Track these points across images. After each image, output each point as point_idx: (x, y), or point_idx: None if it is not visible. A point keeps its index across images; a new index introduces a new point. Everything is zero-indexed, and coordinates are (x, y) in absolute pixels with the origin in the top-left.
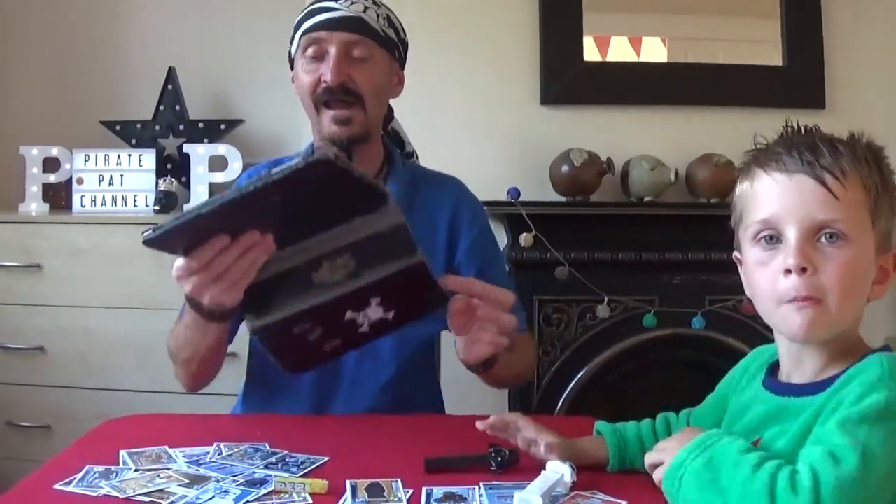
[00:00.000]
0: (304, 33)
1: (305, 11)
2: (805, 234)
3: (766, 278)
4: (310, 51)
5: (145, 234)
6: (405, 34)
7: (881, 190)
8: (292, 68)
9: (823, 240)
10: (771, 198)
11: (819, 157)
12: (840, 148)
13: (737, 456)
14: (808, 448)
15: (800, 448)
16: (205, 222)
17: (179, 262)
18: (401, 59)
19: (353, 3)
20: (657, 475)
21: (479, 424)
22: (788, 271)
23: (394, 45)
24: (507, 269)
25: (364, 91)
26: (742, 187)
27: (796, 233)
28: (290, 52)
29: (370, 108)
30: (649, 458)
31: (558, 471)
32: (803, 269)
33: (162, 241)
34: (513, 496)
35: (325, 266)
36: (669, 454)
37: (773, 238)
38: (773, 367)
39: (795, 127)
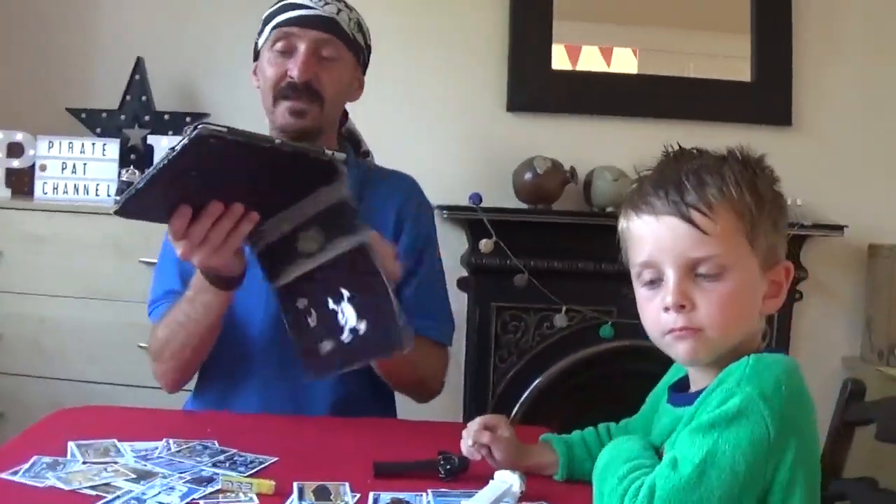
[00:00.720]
0: (275, 27)
1: (278, 5)
2: (681, 273)
3: (651, 314)
4: (279, 45)
5: (114, 206)
6: (370, 40)
7: (757, 211)
8: (256, 59)
9: (701, 274)
10: (645, 240)
11: (684, 194)
12: (707, 179)
13: (619, 464)
14: (666, 450)
15: None
16: (158, 189)
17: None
18: (364, 64)
19: (326, 4)
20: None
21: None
22: (668, 308)
23: (360, 50)
24: (464, 274)
25: (326, 91)
26: (621, 227)
27: (673, 272)
28: (256, 44)
29: (328, 107)
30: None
31: (507, 480)
32: (682, 306)
33: (128, 211)
34: (460, 503)
35: (300, 238)
36: None
37: (653, 281)
38: (685, 380)
39: (671, 151)
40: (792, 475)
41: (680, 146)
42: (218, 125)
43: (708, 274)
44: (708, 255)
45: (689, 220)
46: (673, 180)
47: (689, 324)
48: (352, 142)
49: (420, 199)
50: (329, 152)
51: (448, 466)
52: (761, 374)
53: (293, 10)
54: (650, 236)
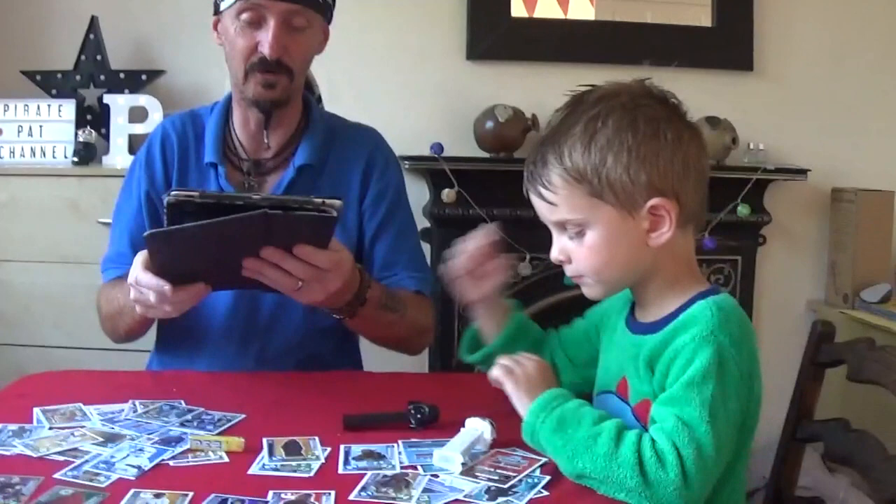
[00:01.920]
0: None
1: None
2: (556, 232)
3: None
4: (246, 15)
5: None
6: None
7: (598, 169)
8: (216, 13)
9: (568, 232)
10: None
11: (533, 174)
12: (549, 157)
13: (591, 425)
14: (660, 408)
15: (646, 384)
16: (201, 234)
17: (151, 282)
18: (331, 17)
19: None
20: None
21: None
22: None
23: (328, 8)
24: (427, 225)
25: (296, 63)
26: None
27: (553, 233)
28: (216, 2)
29: (297, 77)
30: (491, 374)
31: (478, 428)
32: (562, 261)
33: (159, 240)
34: (432, 454)
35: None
36: (519, 374)
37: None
38: (633, 306)
39: (568, 102)
40: (755, 406)
41: (580, 93)
42: (189, 191)
43: (572, 233)
44: (562, 219)
45: (540, 196)
46: (531, 160)
47: (573, 273)
48: (306, 86)
49: (386, 152)
50: (319, 200)
51: (419, 416)
52: (727, 322)
53: None
54: (535, 204)
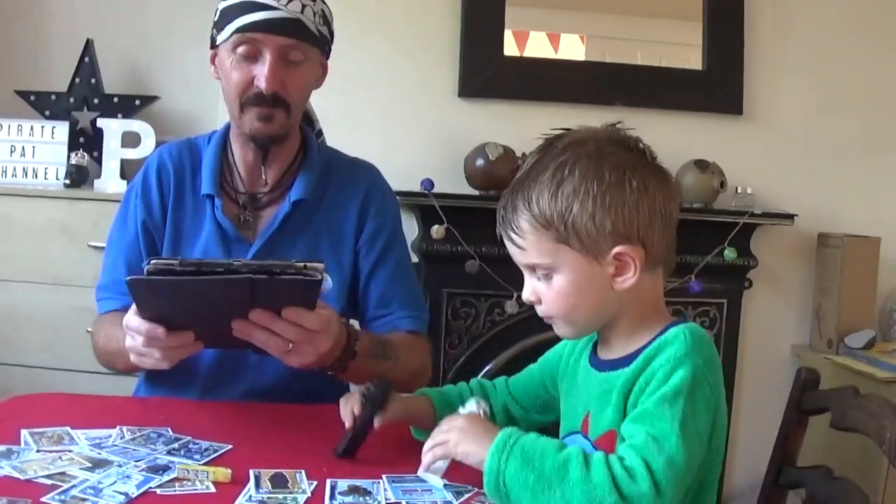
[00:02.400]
0: (238, 30)
1: (237, 2)
2: (528, 274)
3: None
4: (242, 49)
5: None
6: (333, 24)
7: (564, 216)
8: (213, 46)
9: (538, 275)
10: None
11: (504, 220)
12: (519, 204)
13: (556, 453)
14: (630, 425)
15: (621, 417)
16: (190, 289)
17: (141, 326)
18: (329, 51)
19: (290, 1)
20: (426, 459)
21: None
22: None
23: (326, 42)
24: (416, 260)
25: (293, 98)
26: None
27: (525, 274)
28: (213, 35)
29: (294, 111)
30: (427, 445)
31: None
32: (533, 302)
33: (142, 287)
34: (417, 490)
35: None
36: (454, 432)
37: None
38: (595, 346)
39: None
40: (719, 425)
41: (551, 138)
42: (168, 260)
43: (541, 275)
44: (530, 263)
45: (510, 239)
46: (502, 204)
47: (543, 314)
48: (305, 120)
49: (384, 189)
50: (301, 263)
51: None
52: (700, 346)
53: (256, 10)
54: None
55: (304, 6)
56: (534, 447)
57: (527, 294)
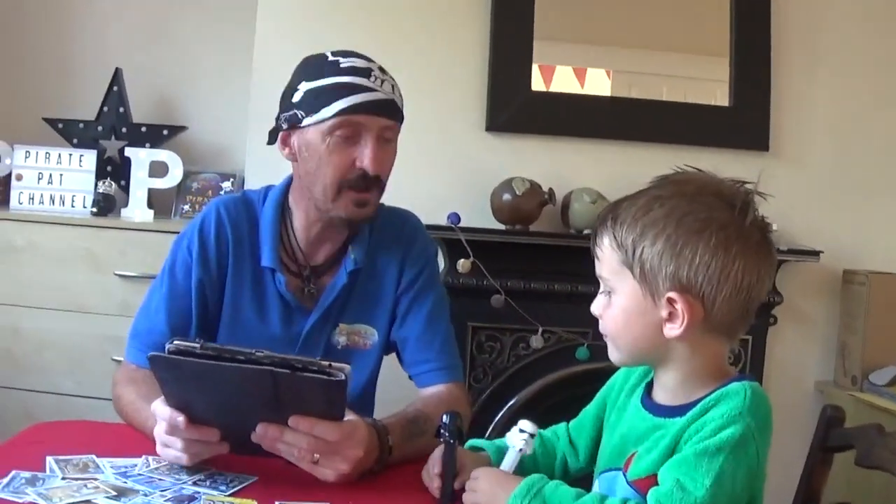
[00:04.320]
0: (340, 112)
1: (333, 83)
2: (601, 288)
3: None
4: (342, 132)
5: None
6: None
7: (636, 245)
8: (289, 127)
9: (604, 290)
10: None
11: (595, 229)
12: (608, 219)
13: (573, 501)
14: (664, 471)
15: (662, 463)
16: (214, 372)
17: (164, 411)
18: None
19: (383, 82)
20: None
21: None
22: None
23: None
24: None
25: (386, 177)
26: None
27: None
28: (290, 117)
29: (383, 188)
30: (466, 500)
31: (516, 444)
32: (597, 315)
33: (163, 365)
34: None
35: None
36: (479, 495)
37: None
38: (649, 385)
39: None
40: (759, 497)
41: (672, 173)
42: (190, 343)
43: (606, 291)
44: (600, 275)
45: (593, 249)
46: (599, 213)
47: (601, 330)
48: None
49: (422, 239)
50: (325, 363)
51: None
52: (758, 408)
53: (358, 92)
54: None
55: (393, 86)
56: (553, 495)
57: (594, 305)
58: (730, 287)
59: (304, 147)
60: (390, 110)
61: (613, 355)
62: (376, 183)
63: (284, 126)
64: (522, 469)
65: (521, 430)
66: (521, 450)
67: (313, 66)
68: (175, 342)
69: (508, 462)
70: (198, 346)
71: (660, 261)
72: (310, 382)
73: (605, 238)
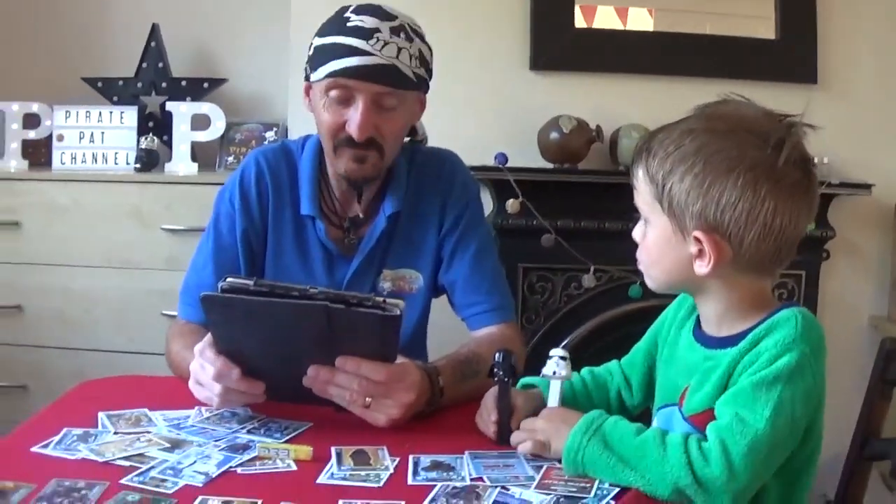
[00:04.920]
0: (330, 74)
1: (331, 41)
2: (641, 219)
3: None
4: (334, 93)
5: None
6: (432, 55)
7: (667, 179)
8: (306, 79)
9: (642, 220)
10: None
11: (633, 160)
12: (643, 150)
13: (634, 437)
14: (722, 405)
15: (717, 396)
16: (268, 310)
17: (217, 361)
18: (427, 87)
19: (385, 45)
20: (522, 448)
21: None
22: None
23: (423, 82)
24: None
25: (386, 141)
26: None
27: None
28: (306, 69)
29: (387, 153)
30: (515, 438)
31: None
32: (637, 241)
33: (216, 305)
34: (499, 465)
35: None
36: (539, 434)
37: None
38: (699, 318)
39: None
40: (819, 423)
41: (707, 104)
42: (244, 280)
43: (643, 221)
44: (638, 205)
45: (631, 180)
46: (637, 143)
47: (637, 257)
48: (410, 132)
49: (463, 178)
50: (380, 298)
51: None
52: (810, 333)
53: (350, 55)
54: None
55: (399, 50)
56: (614, 430)
57: (635, 232)
58: (758, 228)
59: (313, 102)
60: (386, 76)
61: (647, 280)
62: (373, 145)
63: (304, 80)
64: (578, 408)
65: (550, 357)
66: (556, 375)
67: (328, 21)
68: (228, 280)
69: (554, 396)
70: (251, 282)
71: (687, 198)
72: (364, 318)
73: (640, 170)
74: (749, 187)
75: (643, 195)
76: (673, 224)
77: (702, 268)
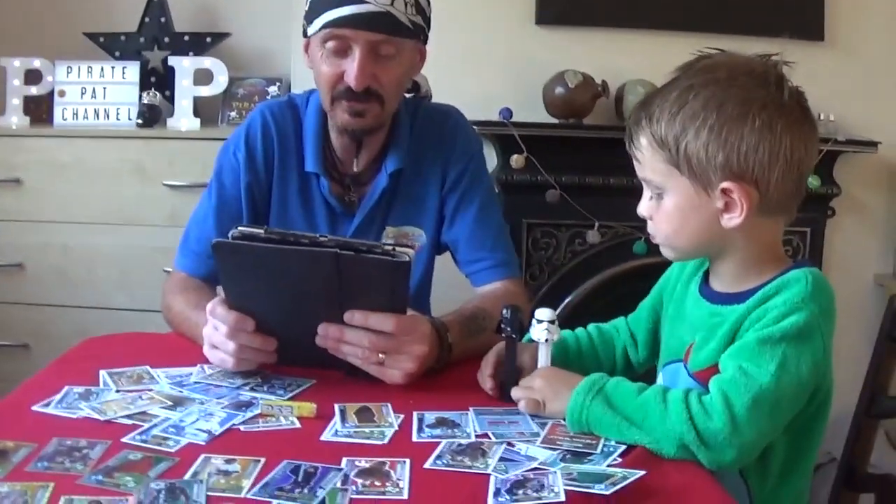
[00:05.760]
0: (326, 25)
1: None
2: (645, 189)
3: None
4: (331, 44)
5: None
6: (430, 5)
7: (679, 140)
8: (305, 36)
9: (651, 193)
10: None
11: (628, 132)
12: (642, 118)
13: (636, 397)
14: (726, 358)
15: (723, 351)
16: (277, 257)
17: (229, 316)
18: (425, 38)
19: None
20: (522, 406)
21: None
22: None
23: (420, 30)
24: (496, 191)
25: (385, 90)
26: None
27: (644, 189)
28: (304, 25)
29: (388, 103)
30: (515, 394)
31: (543, 336)
32: (644, 217)
33: (227, 252)
34: (504, 421)
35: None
36: (536, 393)
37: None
38: (706, 274)
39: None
40: (828, 383)
41: (692, 59)
42: (254, 228)
43: (654, 194)
44: (645, 178)
45: (631, 151)
46: (630, 115)
47: (651, 232)
48: (413, 87)
49: (465, 134)
50: (389, 246)
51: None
52: (821, 294)
53: (344, 4)
54: None
55: None
56: (615, 391)
57: (641, 208)
58: (781, 165)
59: (311, 57)
60: (381, 24)
61: (668, 253)
62: (372, 96)
63: (303, 36)
64: (583, 365)
65: (539, 321)
66: (546, 340)
67: None
68: (239, 228)
69: (542, 358)
70: (262, 231)
71: (706, 153)
72: (374, 264)
73: (643, 139)
74: (766, 127)
75: (652, 164)
76: (695, 184)
77: (733, 219)
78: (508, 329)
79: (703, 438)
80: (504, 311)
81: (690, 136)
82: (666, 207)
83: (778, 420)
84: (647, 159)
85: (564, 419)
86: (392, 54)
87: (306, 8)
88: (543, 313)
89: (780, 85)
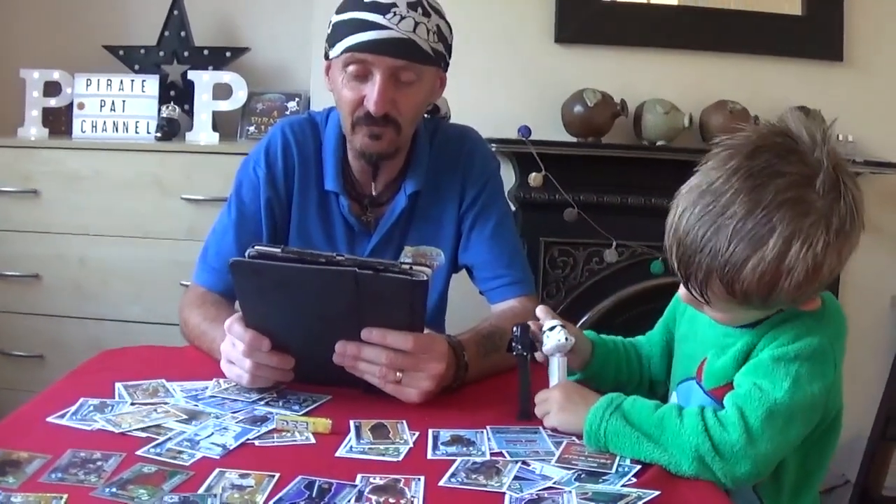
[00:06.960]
0: (347, 49)
1: (348, 17)
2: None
3: None
4: (352, 68)
5: (239, 259)
6: (452, 33)
7: (770, 294)
8: (326, 58)
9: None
10: None
11: (684, 272)
12: (714, 274)
13: (653, 413)
14: (741, 376)
15: (734, 370)
16: (297, 276)
17: (245, 335)
18: (446, 65)
19: (402, 20)
20: (546, 421)
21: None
22: None
23: (441, 58)
24: (513, 209)
25: (403, 117)
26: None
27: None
28: (325, 48)
29: (405, 129)
30: (538, 410)
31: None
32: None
33: (244, 271)
34: (520, 440)
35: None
36: (552, 404)
37: None
38: None
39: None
40: (838, 404)
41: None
42: (271, 247)
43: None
44: (710, 314)
45: (688, 288)
46: (680, 253)
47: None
48: (432, 110)
49: (482, 154)
50: (406, 265)
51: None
52: (835, 320)
53: (367, 30)
54: None
55: (416, 24)
56: (633, 407)
57: (682, 292)
58: (817, 287)
59: (332, 80)
60: (403, 50)
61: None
62: (389, 122)
63: (325, 58)
64: (619, 371)
65: (551, 328)
66: (561, 353)
67: None
68: (256, 247)
69: (559, 371)
70: (279, 250)
71: (798, 292)
72: (392, 283)
73: (716, 289)
74: (811, 257)
75: (722, 304)
76: (749, 310)
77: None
78: (519, 347)
79: (718, 450)
80: (514, 330)
81: (784, 286)
82: (714, 311)
83: (791, 435)
84: (718, 304)
85: (579, 435)
86: (412, 80)
87: (329, 31)
88: (553, 322)
89: (831, 189)
